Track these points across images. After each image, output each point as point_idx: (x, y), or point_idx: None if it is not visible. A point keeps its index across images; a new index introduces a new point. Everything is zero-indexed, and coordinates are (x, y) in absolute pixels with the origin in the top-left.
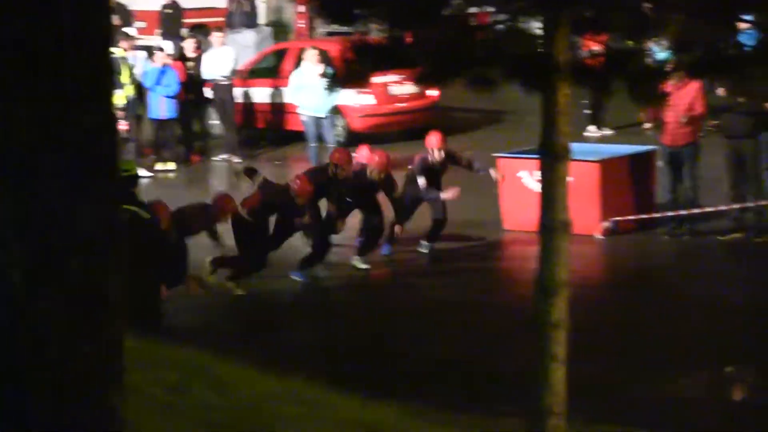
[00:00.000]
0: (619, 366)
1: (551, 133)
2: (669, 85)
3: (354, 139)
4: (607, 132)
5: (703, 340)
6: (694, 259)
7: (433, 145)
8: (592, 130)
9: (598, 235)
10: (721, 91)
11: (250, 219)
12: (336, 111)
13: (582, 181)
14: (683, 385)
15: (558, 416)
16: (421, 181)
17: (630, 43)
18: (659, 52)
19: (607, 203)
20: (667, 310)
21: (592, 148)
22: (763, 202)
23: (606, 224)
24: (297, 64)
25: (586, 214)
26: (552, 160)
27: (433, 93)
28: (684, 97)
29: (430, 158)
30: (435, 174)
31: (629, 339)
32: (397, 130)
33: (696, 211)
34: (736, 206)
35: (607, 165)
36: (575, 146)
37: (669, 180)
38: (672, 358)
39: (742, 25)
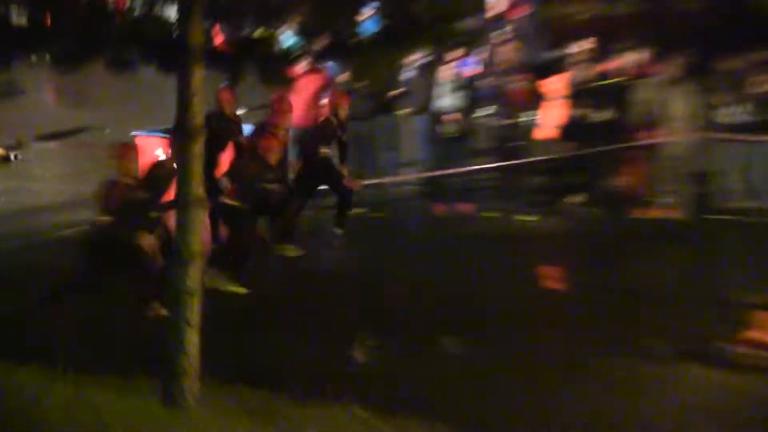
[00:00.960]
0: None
1: (186, 113)
2: (297, 70)
3: None
4: (240, 111)
5: (321, 313)
6: (319, 233)
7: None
8: None
9: None
10: (344, 77)
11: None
12: None
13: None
14: (313, 356)
15: (192, 377)
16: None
17: (261, 29)
18: (289, 38)
19: None
20: (294, 284)
21: None
22: (381, 180)
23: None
24: None
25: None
26: (187, 138)
27: None
28: (313, 81)
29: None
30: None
31: (273, 312)
32: None
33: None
34: (360, 183)
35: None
36: None
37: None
38: (297, 329)
39: (368, 13)
